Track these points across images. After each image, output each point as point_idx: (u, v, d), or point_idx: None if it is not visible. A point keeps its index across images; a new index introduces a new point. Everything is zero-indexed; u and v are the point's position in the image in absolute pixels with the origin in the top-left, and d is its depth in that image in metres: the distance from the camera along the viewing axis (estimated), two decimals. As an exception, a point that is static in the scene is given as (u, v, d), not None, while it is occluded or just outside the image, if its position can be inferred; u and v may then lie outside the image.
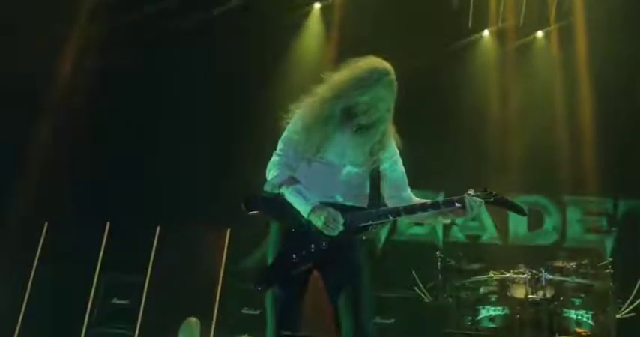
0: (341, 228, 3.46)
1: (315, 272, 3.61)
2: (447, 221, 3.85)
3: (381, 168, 3.72)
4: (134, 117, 9.03)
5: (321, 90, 3.71)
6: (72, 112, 8.92)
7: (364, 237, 3.63)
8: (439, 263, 7.86)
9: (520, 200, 9.35)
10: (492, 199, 3.58)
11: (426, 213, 3.61)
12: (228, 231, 8.22)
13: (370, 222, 3.54)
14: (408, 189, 3.81)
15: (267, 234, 3.63)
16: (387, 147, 3.73)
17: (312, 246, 3.46)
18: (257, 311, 7.57)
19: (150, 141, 9.04)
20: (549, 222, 9.55)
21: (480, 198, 3.53)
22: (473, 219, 9.74)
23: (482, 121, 9.31)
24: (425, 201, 3.64)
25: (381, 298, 7.63)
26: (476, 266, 7.80)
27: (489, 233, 9.67)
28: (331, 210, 3.48)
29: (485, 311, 7.36)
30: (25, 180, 8.53)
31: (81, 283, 7.91)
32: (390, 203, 3.73)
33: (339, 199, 3.59)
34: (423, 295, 8.10)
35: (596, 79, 9.24)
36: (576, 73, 9.51)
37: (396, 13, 9.36)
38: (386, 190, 3.75)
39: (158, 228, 8.17)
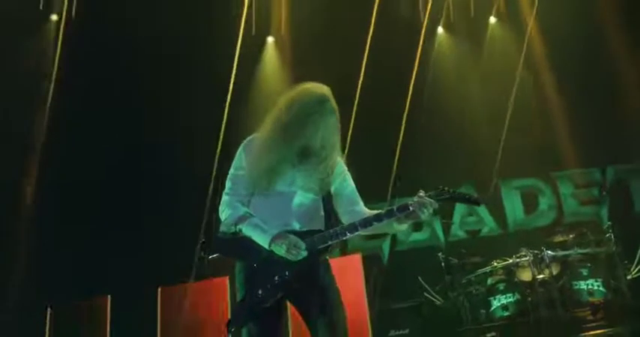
0: (303, 253, 3.44)
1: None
2: (403, 227, 3.69)
3: (332, 187, 3.69)
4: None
5: (269, 131, 3.64)
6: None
7: (327, 258, 3.62)
8: (442, 264, 7.84)
9: (511, 184, 9.59)
10: (447, 196, 3.52)
11: (382, 223, 3.53)
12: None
13: (329, 243, 3.50)
14: (361, 203, 3.77)
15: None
16: (335, 168, 3.69)
17: (276, 277, 3.43)
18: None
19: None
20: (544, 202, 9.51)
21: (431, 197, 3.47)
22: (470, 215, 9.73)
23: (458, 112, 9.30)
24: (378, 211, 3.59)
25: (394, 310, 7.60)
26: (477, 259, 7.78)
27: (489, 225, 9.61)
28: (291, 236, 3.46)
29: (497, 302, 7.31)
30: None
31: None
32: (346, 219, 3.68)
33: (296, 226, 3.56)
34: (433, 299, 8.05)
35: (556, 53, 9.26)
36: (535, 52, 9.55)
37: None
38: (340, 207, 3.71)
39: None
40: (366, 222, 3.54)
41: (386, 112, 9.16)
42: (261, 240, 3.48)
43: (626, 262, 7.40)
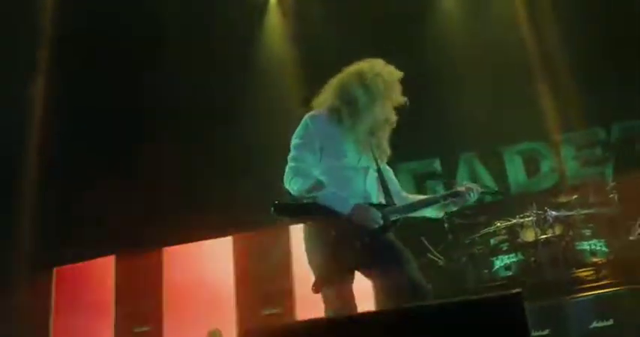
0: (381, 222, 3.59)
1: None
2: (442, 213, 4.04)
3: (381, 166, 3.88)
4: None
5: (337, 105, 3.79)
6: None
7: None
8: (445, 225, 7.83)
9: (512, 150, 9.53)
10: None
11: (436, 205, 3.87)
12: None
13: (398, 216, 3.71)
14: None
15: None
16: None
17: (358, 243, 3.54)
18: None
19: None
20: (546, 165, 9.45)
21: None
22: (472, 180, 9.68)
23: (458, 78, 9.20)
24: (429, 196, 4.00)
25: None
26: (481, 219, 7.77)
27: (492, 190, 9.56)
28: (370, 207, 3.63)
29: (500, 262, 7.35)
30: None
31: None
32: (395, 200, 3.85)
33: (368, 198, 3.73)
34: (436, 259, 8.05)
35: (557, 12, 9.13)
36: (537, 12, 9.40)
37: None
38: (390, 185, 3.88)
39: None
40: (425, 203, 3.86)
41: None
42: (342, 207, 3.58)
43: (631, 222, 7.37)
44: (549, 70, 9.08)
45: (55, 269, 8.59)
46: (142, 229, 8.31)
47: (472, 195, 3.80)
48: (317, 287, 3.52)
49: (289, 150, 3.79)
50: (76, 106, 8.93)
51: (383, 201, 3.76)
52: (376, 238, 3.58)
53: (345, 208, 3.57)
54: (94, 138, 8.92)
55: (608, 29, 8.65)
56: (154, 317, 8.01)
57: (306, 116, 3.82)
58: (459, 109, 8.99)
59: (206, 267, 8.16)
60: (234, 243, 8.24)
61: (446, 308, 2.37)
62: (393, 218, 3.68)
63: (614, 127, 9.18)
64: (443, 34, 9.69)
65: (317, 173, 3.69)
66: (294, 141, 3.78)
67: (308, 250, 3.65)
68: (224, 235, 8.28)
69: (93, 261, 8.45)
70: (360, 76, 3.78)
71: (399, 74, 3.83)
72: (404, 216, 3.77)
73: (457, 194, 3.80)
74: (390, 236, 3.70)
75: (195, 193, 8.69)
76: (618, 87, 8.59)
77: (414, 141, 8.22)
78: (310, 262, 3.64)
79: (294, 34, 9.68)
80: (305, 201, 3.63)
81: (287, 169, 3.72)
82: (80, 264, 8.46)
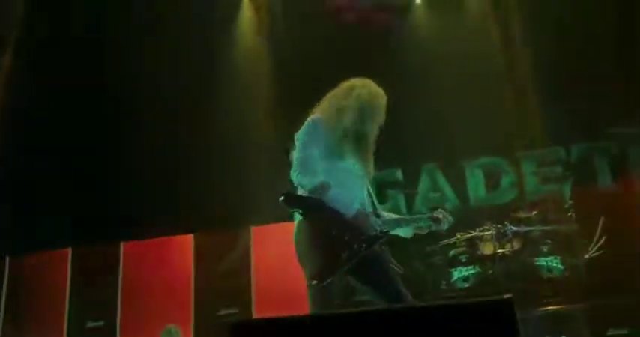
0: (379, 229, 3.79)
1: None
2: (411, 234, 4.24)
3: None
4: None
5: (330, 113, 3.99)
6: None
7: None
8: (407, 233, 7.89)
9: (474, 163, 9.68)
10: None
11: (413, 225, 4.13)
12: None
13: (389, 230, 3.90)
14: None
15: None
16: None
17: (355, 246, 3.63)
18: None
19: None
20: (506, 180, 9.61)
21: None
22: (433, 190, 9.80)
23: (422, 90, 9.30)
24: (412, 216, 4.51)
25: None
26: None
27: (451, 201, 9.70)
28: (371, 214, 3.85)
29: (458, 273, 7.45)
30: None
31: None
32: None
33: (365, 206, 3.89)
34: (396, 268, 8.09)
35: (526, 30, 9.30)
36: (506, 28, 9.56)
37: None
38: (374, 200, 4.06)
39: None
40: (407, 221, 4.18)
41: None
42: (346, 209, 3.74)
43: (585, 241, 7.55)
44: (514, 86, 9.23)
45: (8, 258, 8.44)
46: (102, 223, 8.20)
47: (445, 223, 4.00)
48: (322, 277, 3.55)
49: (287, 151, 3.92)
50: (37, 103, 8.79)
51: (371, 210, 3.92)
52: (371, 245, 3.70)
53: (349, 211, 3.72)
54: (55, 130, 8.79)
55: (576, 51, 8.84)
56: (109, 312, 7.90)
57: (310, 118, 3.96)
58: (423, 120, 9.07)
59: (165, 264, 8.10)
60: (195, 241, 8.20)
61: (435, 310, 2.40)
62: (385, 229, 3.85)
63: (574, 147, 9.37)
64: (408, 45, 9.77)
65: (321, 170, 3.80)
66: (301, 138, 3.88)
67: (305, 244, 3.70)
68: (185, 233, 8.23)
69: (50, 252, 8.32)
70: (352, 90, 4.04)
71: (384, 95, 4.14)
72: (391, 229, 3.93)
73: (437, 219, 3.96)
74: (379, 246, 3.84)
75: (158, 190, 8.60)
76: (580, 109, 8.77)
77: (377, 150, 8.26)
78: (305, 256, 3.70)
79: (266, 29, 9.66)
80: (314, 197, 3.72)
81: (295, 162, 3.81)
82: (37, 254, 8.32)
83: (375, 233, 3.74)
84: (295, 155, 3.84)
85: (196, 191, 8.45)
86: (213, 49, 9.41)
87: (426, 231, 4.11)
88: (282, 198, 3.67)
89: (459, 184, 9.69)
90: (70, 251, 8.36)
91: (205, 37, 9.19)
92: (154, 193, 8.44)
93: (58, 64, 8.84)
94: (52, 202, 8.33)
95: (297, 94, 8.32)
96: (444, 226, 4.01)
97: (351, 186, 3.87)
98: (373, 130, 4.06)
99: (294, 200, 3.75)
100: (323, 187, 3.72)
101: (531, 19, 9.23)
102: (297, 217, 3.80)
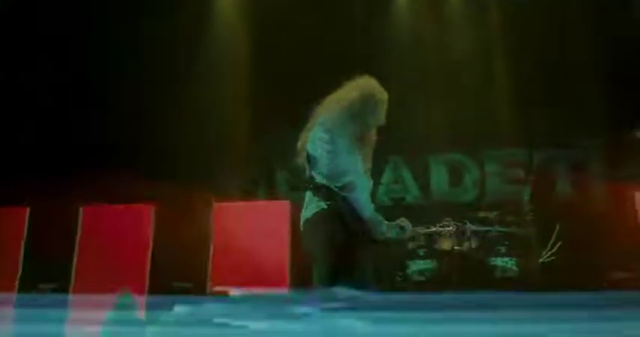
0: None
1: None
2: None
3: None
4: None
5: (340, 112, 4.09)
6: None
7: None
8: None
9: (439, 159, 9.79)
10: None
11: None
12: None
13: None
14: None
15: None
16: None
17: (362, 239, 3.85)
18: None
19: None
20: (469, 178, 9.74)
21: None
22: (395, 182, 9.89)
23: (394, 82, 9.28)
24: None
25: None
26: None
27: (413, 194, 9.80)
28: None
29: (415, 266, 7.54)
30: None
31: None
32: None
33: None
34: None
35: (507, 33, 9.36)
36: (487, 27, 9.62)
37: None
38: None
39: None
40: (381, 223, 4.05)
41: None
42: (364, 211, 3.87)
43: (540, 245, 7.71)
44: (486, 87, 9.33)
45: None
46: (64, 184, 8.08)
47: (408, 231, 4.09)
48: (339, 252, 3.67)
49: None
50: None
51: None
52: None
53: (365, 213, 3.84)
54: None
55: (551, 56, 8.96)
56: (62, 275, 7.84)
57: (325, 123, 4.00)
58: (390, 112, 9.09)
59: (124, 232, 8.05)
60: (156, 211, 8.16)
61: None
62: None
63: (537, 151, 9.54)
64: (384, 39, 9.78)
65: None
66: (328, 137, 3.94)
67: (319, 230, 3.80)
68: (147, 202, 8.18)
69: (5, 209, 8.20)
70: (358, 89, 4.21)
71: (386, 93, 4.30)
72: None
73: (402, 227, 4.04)
74: None
75: (123, 157, 8.51)
76: (548, 114, 8.92)
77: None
78: (316, 237, 3.79)
79: (247, 14, 9.56)
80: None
81: (328, 161, 3.90)
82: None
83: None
84: (327, 155, 3.92)
85: (163, 162, 8.39)
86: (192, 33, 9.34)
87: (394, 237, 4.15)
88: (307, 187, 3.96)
89: (422, 178, 9.81)
90: (27, 210, 8.23)
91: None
92: (119, 159, 8.37)
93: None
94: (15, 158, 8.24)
95: (279, 78, 8.43)
96: (407, 234, 4.12)
97: (367, 185, 3.98)
98: (375, 128, 4.24)
99: (324, 191, 3.87)
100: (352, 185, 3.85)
101: (509, 23, 9.32)
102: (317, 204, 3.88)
